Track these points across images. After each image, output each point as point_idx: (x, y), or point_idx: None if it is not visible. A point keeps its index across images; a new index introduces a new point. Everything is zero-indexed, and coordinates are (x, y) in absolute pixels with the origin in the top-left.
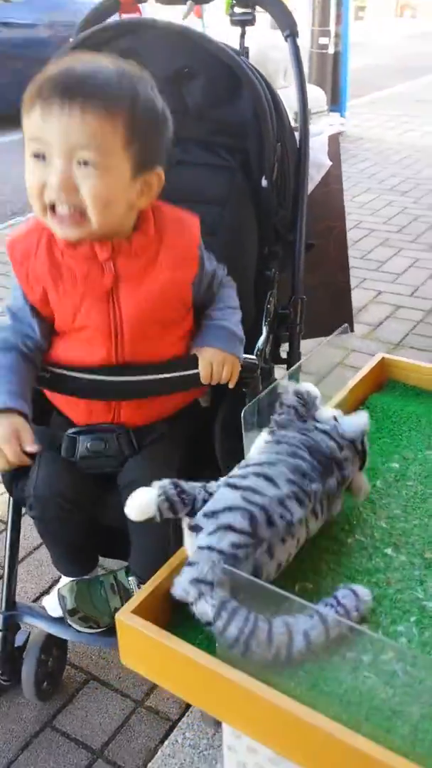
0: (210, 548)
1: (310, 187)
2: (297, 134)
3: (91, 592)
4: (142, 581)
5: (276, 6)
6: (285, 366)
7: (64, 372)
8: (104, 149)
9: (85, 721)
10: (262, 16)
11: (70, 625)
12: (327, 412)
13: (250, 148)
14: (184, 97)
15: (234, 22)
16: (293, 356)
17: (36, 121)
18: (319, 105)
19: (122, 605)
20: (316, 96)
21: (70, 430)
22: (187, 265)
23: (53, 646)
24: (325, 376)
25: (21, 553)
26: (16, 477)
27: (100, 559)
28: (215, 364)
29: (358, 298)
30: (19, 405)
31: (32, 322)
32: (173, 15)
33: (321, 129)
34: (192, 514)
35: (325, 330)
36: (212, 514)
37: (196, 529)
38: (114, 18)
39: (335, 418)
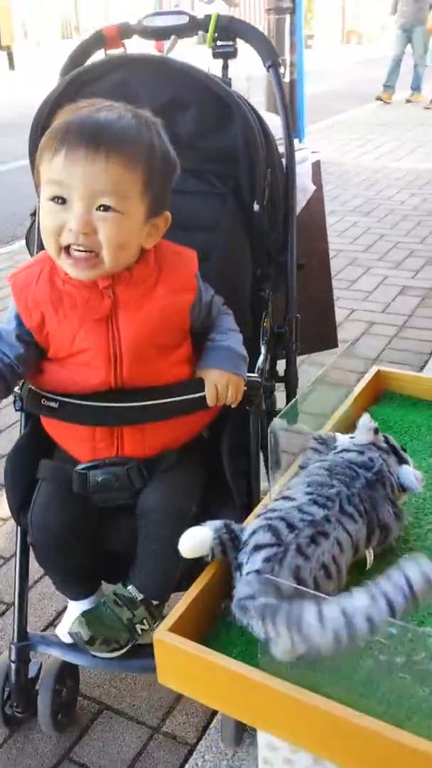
0: (247, 574)
1: (297, 210)
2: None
3: (100, 616)
4: (148, 593)
5: (257, 38)
6: (283, 383)
7: (71, 400)
8: (124, 196)
9: (102, 751)
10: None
11: (92, 654)
12: (343, 437)
13: (241, 174)
14: (175, 127)
15: (216, 55)
16: (290, 374)
17: (59, 166)
18: (279, 132)
19: (132, 614)
20: (276, 124)
21: (80, 466)
22: (185, 292)
23: (67, 676)
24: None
25: None
26: (23, 507)
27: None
28: (220, 386)
29: None
30: None
31: (14, 345)
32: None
33: (305, 156)
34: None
35: (312, 346)
36: (244, 546)
37: (239, 567)
38: (99, 54)
39: (351, 437)
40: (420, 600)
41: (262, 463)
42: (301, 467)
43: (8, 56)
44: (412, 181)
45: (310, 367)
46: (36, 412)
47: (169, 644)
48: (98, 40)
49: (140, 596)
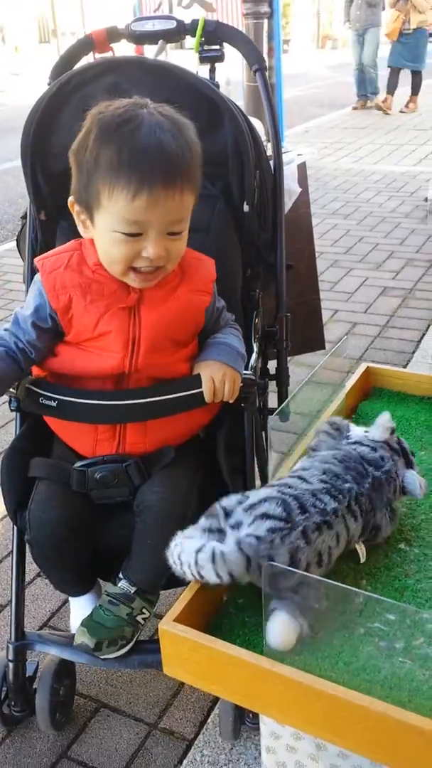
0: (248, 535)
1: (284, 212)
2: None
3: (99, 620)
4: (141, 586)
5: (243, 42)
6: (275, 381)
7: (70, 398)
8: (186, 218)
9: (100, 748)
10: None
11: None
12: (358, 429)
13: (231, 176)
14: None
15: (203, 59)
16: (282, 372)
17: (141, 210)
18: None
19: (130, 608)
20: (258, 128)
21: (78, 464)
22: (204, 294)
23: (64, 675)
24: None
25: None
26: (20, 506)
27: None
28: (217, 379)
29: None
30: None
31: (27, 331)
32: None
33: (291, 158)
34: None
35: (299, 347)
36: (250, 507)
37: (236, 526)
38: (88, 58)
39: (366, 431)
40: None
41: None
42: (312, 449)
43: None
44: (389, 184)
45: (297, 368)
46: (34, 411)
47: (174, 634)
48: (87, 44)
49: (133, 589)
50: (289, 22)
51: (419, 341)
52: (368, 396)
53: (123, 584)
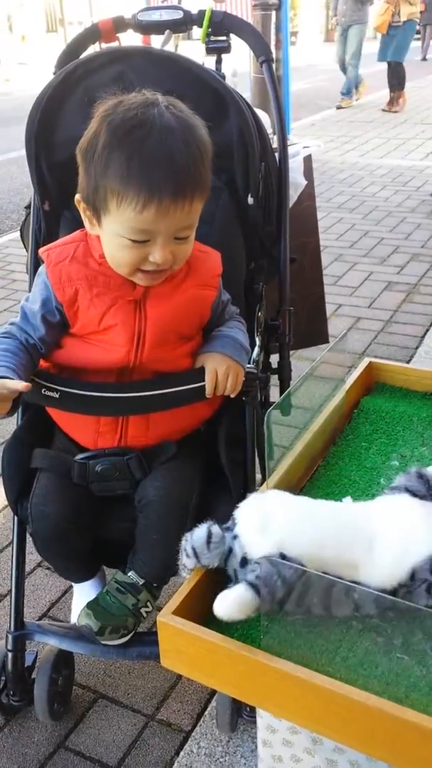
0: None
1: (289, 204)
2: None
3: (105, 605)
4: (149, 578)
5: (250, 33)
6: (277, 375)
7: (72, 390)
8: (196, 222)
9: (98, 739)
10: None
11: (100, 643)
12: None
13: (236, 168)
14: None
15: (209, 50)
16: (284, 365)
17: (150, 219)
18: (269, 127)
19: (136, 599)
20: (263, 120)
21: (80, 456)
22: (210, 288)
23: (63, 665)
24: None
25: None
26: (21, 496)
27: None
28: (220, 372)
29: None
30: (14, 377)
31: (37, 327)
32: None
33: (297, 151)
34: None
35: (304, 341)
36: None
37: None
38: (94, 48)
39: None
40: None
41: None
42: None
43: None
44: (396, 178)
45: (299, 362)
46: (36, 402)
47: (172, 626)
48: (93, 33)
49: (141, 581)
50: (297, 14)
51: (423, 337)
52: (371, 391)
53: (132, 574)
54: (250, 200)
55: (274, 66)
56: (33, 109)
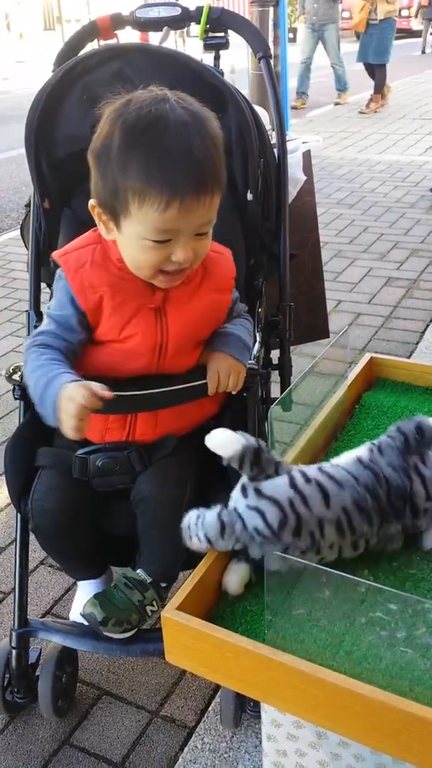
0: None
1: (288, 200)
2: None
3: (111, 598)
4: (156, 577)
5: (249, 30)
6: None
7: None
8: (215, 217)
9: (102, 735)
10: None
11: (99, 637)
12: None
13: (235, 164)
14: None
15: (207, 46)
16: (285, 361)
17: (173, 219)
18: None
19: (142, 596)
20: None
21: (80, 451)
22: (226, 291)
23: (66, 662)
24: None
25: None
26: (23, 494)
27: None
28: (222, 373)
29: None
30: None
31: (75, 330)
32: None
33: (296, 146)
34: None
35: (304, 337)
36: (259, 492)
37: (243, 490)
38: (92, 45)
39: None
40: None
41: None
42: (379, 445)
43: None
44: (394, 174)
45: (299, 358)
46: None
47: (177, 622)
48: (92, 30)
49: (149, 579)
50: (296, 10)
51: (423, 332)
52: (372, 387)
53: (140, 572)
54: (249, 196)
55: (272, 62)
56: (32, 106)
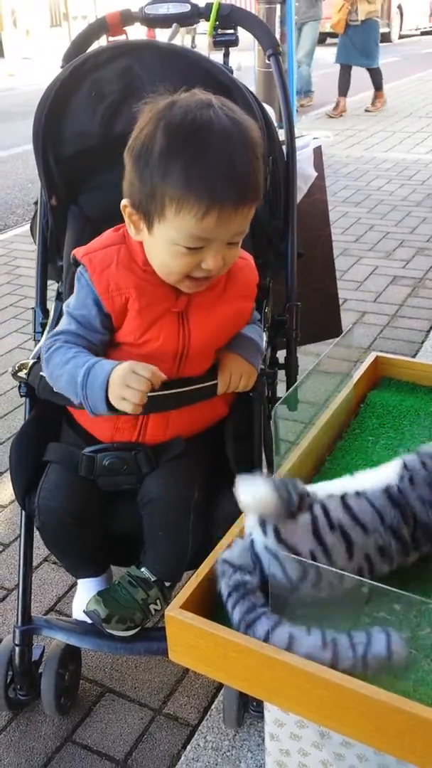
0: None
1: (299, 197)
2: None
3: (115, 596)
4: (160, 576)
5: (258, 26)
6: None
7: None
8: (248, 227)
9: (105, 733)
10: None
11: (102, 635)
12: None
13: None
14: None
15: (217, 43)
16: (291, 361)
17: (211, 227)
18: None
19: (146, 594)
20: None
21: (88, 449)
22: (249, 299)
23: (69, 660)
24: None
25: None
26: (28, 491)
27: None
28: (234, 375)
29: None
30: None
31: (98, 330)
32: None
33: (306, 142)
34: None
35: (317, 335)
36: (278, 536)
37: (262, 524)
38: (100, 42)
39: None
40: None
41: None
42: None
43: None
44: (401, 172)
45: (305, 357)
46: (48, 398)
47: (181, 621)
48: (101, 26)
49: (153, 577)
50: None
51: (429, 331)
52: (377, 386)
53: (144, 570)
54: None
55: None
56: (40, 103)
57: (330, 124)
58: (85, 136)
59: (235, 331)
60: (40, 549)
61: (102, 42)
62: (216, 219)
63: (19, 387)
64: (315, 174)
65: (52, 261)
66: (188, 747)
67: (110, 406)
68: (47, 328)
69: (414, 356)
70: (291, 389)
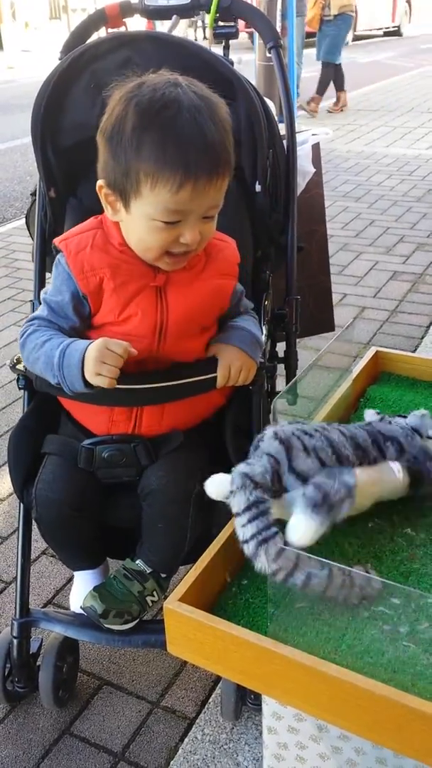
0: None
1: (297, 192)
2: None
3: (111, 590)
4: (156, 567)
5: (259, 19)
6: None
7: None
8: (222, 201)
9: (102, 725)
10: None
11: (101, 628)
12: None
13: (243, 155)
14: None
15: (217, 35)
16: (290, 354)
17: (185, 200)
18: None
19: (142, 587)
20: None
21: (87, 441)
22: (230, 277)
23: (67, 652)
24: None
25: None
26: (27, 483)
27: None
28: (233, 368)
29: None
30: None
31: (69, 317)
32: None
33: (305, 138)
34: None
35: (310, 330)
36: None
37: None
38: (99, 33)
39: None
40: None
41: None
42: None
43: None
44: (401, 167)
45: (304, 351)
46: (46, 391)
47: (179, 614)
48: (100, 18)
49: (149, 569)
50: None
51: (429, 326)
52: (377, 381)
53: (140, 562)
54: (258, 187)
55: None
56: (39, 94)
57: (331, 120)
58: (84, 128)
59: (217, 309)
60: (38, 542)
61: (101, 33)
62: (191, 191)
63: (18, 380)
64: (313, 170)
65: (50, 253)
66: (186, 740)
67: (87, 383)
68: None
69: (413, 351)
70: (290, 383)
